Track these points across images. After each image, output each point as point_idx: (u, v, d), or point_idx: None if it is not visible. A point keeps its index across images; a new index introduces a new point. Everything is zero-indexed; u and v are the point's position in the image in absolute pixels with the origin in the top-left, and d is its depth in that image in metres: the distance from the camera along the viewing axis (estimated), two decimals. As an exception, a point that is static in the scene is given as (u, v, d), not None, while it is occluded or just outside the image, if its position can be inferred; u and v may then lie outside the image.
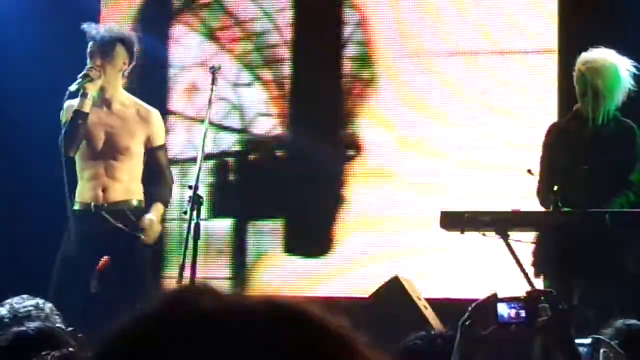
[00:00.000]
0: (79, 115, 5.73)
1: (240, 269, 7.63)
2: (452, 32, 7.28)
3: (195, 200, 5.65)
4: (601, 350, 3.44)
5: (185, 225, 5.79)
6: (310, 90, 7.76)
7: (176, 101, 7.81)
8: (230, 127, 7.59)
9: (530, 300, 3.08)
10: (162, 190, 5.92)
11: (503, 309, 3.07)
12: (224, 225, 7.54)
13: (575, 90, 5.66)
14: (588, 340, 3.54)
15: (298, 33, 7.80)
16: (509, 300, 3.09)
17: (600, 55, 5.60)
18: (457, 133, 7.22)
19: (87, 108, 5.75)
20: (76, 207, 5.84)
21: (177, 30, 7.96)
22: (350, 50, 7.70)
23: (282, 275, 7.52)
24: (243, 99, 7.70)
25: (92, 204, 5.78)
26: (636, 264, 5.40)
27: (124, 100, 5.91)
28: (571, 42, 6.42)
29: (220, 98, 7.42)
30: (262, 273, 7.56)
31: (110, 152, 5.84)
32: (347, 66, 7.69)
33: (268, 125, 7.78)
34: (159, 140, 5.95)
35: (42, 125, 6.60)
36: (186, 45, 7.92)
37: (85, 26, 5.87)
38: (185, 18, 7.99)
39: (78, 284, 5.76)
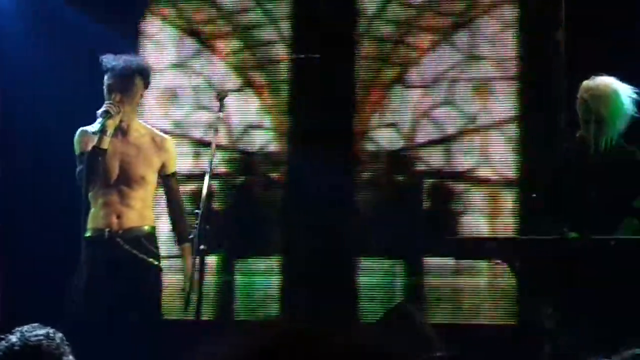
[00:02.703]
0: (98, 152, 5.75)
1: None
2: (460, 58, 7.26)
3: (203, 228, 5.68)
4: None
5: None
6: (313, 97, 7.29)
7: (149, 110, 7.45)
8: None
9: None
10: (183, 225, 5.97)
11: None
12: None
13: (579, 117, 5.70)
14: None
15: (298, 28, 7.38)
16: None
17: (603, 82, 5.66)
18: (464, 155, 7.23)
19: (105, 145, 5.77)
20: (88, 234, 5.86)
21: (150, 25, 7.62)
22: (364, 49, 7.31)
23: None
24: (230, 107, 7.10)
25: (106, 230, 5.78)
26: (640, 289, 5.45)
27: (140, 129, 5.96)
28: (576, 69, 6.48)
29: (201, 106, 7.28)
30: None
31: (125, 180, 5.88)
32: (361, 67, 7.28)
33: (261, 139, 7.45)
34: (173, 168, 6.00)
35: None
36: (160, 42, 7.57)
37: (103, 58, 5.89)
38: (160, 9, 7.63)
39: (90, 310, 5.80)
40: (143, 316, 5.79)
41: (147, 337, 5.77)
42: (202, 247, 5.68)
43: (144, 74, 5.87)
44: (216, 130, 5.97)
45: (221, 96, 6.04)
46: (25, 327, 3.73)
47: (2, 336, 3.71)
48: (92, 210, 5.90)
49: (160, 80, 7.36)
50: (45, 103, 7.45)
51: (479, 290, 7.02)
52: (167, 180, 5.98)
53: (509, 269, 5.52)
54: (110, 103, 5.75)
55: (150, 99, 7.36)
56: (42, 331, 3.70)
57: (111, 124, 5.76)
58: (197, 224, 5.70)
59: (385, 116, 7.29)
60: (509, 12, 7.12)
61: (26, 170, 7.58)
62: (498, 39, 7.09)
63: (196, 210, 5.77)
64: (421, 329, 5.91)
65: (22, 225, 7.59)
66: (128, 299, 5.80)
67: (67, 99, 7.26)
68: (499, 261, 5.47)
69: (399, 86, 7.28)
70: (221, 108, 5.98)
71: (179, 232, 5.97)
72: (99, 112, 5.73)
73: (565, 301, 5.57)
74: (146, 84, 5.91)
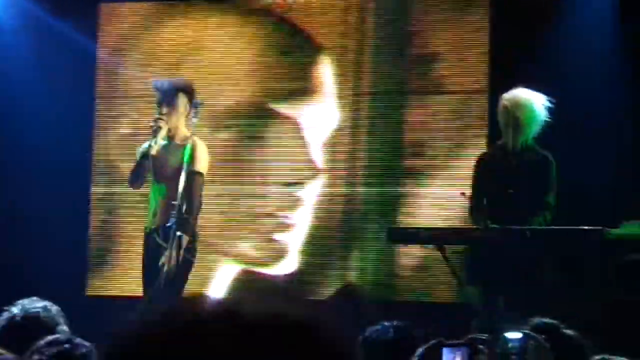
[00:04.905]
0: (145, 157, 6.15)
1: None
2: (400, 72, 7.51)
3: (180, 216, 5.82)
4: (530, 343, 3.56)
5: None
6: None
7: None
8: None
9: (471, 345, 3.16)
10: (188, 219, 6.08)
11: (447, 354, 3.15)
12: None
13: (499, 123, 5.89)
14: (519, 335, 3.66)
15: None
16: (452, 346, 3.17)
17: (520, 92, 5.85)
18: (407, 159, 7.45)
19: (154, 151, 6.14)
20: (147, 224, 6.23)
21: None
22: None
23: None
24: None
25: (150, 226, 6.16)
26: (551, 273, 5.60)
27: (182, 136, 6.24)
28: (499, 83, 6.66)
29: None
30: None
31: (170, 177, 6.13)
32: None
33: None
34: (195, 166, 6.17)
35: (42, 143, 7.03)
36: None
37: (154, 81, 6.36)
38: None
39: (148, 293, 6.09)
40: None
41: None
42: (178, 233, 5.79)
43: (186, 90, 6.22)
44: (182, 125, 6.14)
45: (197, 105, 6.16)
46: (26, 300, 3.77)
47: (6, 308, 3.77)
48: (150, 205, 6.24)
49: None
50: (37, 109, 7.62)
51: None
52: (190, 175, 6.12)
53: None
54: (159, 117, 6.15)
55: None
56: (40, 304, 3.74)
57: (161, 136, 6.15)
58: (173, 213, 5.83)
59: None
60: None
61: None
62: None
63: (173, 202, 5.90)
64: (365, 307, 6.00)
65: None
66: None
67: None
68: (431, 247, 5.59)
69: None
70: (196, 115, 6.10)
71: (182, 223, 6.08)
72: (152, 126, 6.16)
73: (487, 281, 5.69)
74: (191, 100, 6.21)
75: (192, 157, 6.10)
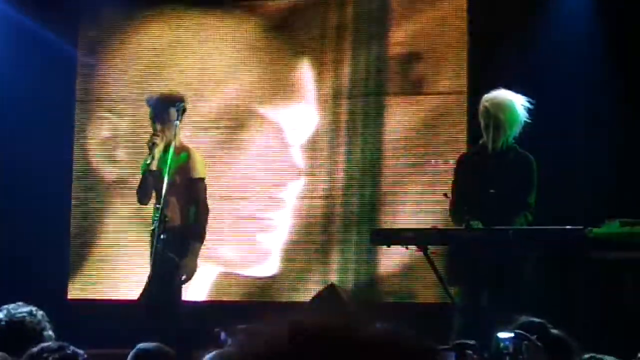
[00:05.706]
0: (147, 172, 6.19)
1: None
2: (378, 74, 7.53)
3: (162, 219, 5.79)
4: (524, 343, 3.57)
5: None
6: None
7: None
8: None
9: (458, 350, 3.16)
10: (197, 226, 6.14)
11: None
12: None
13: (480, 124, 5.90)
14: (512, 335, 3.64)
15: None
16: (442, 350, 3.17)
17: (500, 93, 5.88)
18: (388, 160, 7.46)
19: (154, 166, 6.18)
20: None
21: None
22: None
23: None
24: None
25: (155, 229, 6.10)
26: (533, 272, 5.63)
27: (177, 145, 6.25)
28: (477, 85, 6.68)
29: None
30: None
31: (168, 188, 6.11)
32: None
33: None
34: (193, 174, 6.25)
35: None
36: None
37: (146, 98, 6.39)
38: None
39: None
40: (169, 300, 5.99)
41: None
42: (162, 236, 5.77)
43: (176, 104, 6.22)
44: (174, 135, 6.08)
45: (179, 107, 6.15)
46: (11, 305, 3.74)
47: (-10, 313, 3.74)
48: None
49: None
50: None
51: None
52: (189, 183, 6.21)
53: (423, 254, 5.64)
54: (155, 134, 6.20)
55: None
56: (26, 309, 3.72)
57: (158, 151, 6.18)
58: (157, 216, 5.81)
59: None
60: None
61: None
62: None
63: (157, 205, 5.87)
64: (348, 306, 6.03)
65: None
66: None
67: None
68: (415, 247, 5.59)
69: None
70: (179, 117, 6.09)
71: (192, 230, 6.17)
72: (148, 143, 6.19)
73: (470, 281, 5.70)
74: (181, 112, 6.23)
75: (187, 166, 6.17)
